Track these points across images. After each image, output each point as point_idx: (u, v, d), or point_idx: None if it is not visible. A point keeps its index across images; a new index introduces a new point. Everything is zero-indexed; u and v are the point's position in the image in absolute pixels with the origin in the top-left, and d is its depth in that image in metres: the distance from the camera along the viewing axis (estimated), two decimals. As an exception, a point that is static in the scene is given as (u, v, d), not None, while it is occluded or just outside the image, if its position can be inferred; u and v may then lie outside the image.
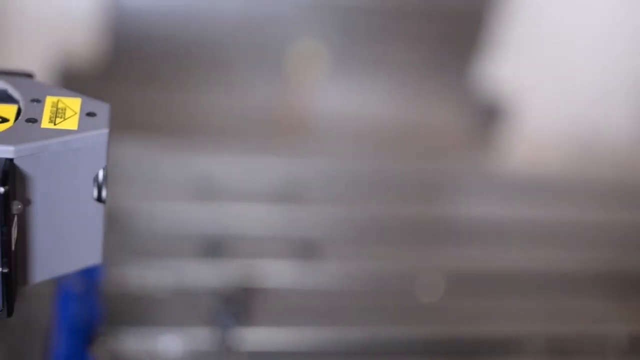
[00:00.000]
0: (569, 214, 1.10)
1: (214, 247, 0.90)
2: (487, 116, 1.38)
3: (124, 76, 1.29)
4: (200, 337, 0.78)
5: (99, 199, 0.46)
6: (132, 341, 0.76)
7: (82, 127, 0.44)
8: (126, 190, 0.94)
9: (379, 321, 0.87)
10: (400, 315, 0.89)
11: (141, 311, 0.79)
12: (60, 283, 0.70)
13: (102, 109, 0.47)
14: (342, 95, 1.38)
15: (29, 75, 0.49)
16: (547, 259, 1.00)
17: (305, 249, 0.93)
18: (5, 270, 0.42)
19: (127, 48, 1.35)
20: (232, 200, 0.99)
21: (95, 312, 0.74)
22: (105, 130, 0.45)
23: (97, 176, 0.46)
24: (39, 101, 0.46)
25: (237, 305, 0.81)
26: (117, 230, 0.87)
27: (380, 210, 1.05)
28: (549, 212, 1.09)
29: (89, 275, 0.73)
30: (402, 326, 0.87)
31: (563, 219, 1.08)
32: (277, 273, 0.90)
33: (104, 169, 0.46)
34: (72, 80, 1.20)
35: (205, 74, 1.34)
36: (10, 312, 0.44)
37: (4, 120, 0.45)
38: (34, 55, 1.35)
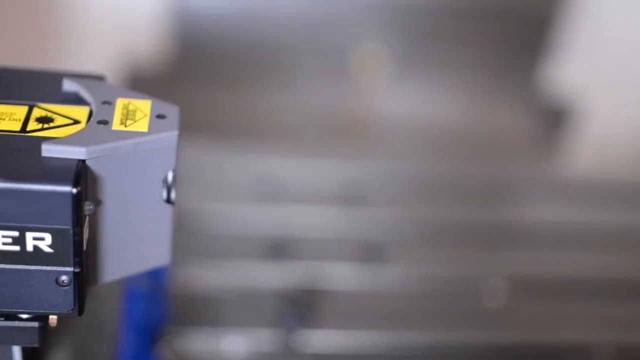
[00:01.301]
0: (635, 219, 1.08)
1: (278, 249, 0.90)
2: (553, 119, 1.37)
3: (189, 78, 1.30)
4: (264, 338, 0.79)
5: (168, 200, 0.47)
6: (196, 341, 0.76)
7: (152, 129, 0.45)
8: (191, 192, 0.94)
9: (442, 325, 0.86)
10: (464, 319, 0.88)
11: (206, 312, 0.80)
12: (127, 283, 0.71)
13: (172, 111, 0.47)
14: (404, 97, 1.37)
15: (101, 78, 0.50)
16: (613, 264, 0.98)
17: (369, 252, 0.93)
18: (77, 270, 0.42)
19: (192, 50, 1.36)
20: (296, 202, 0.99)
21: (161, 312, 0.74)
22: (175, 132, 0.45)
23: (166, 178, 0.46)
24: (110, 103, 0.47)
25: (301, 307, 0.81)
26: (182, 231, 0.88)
27: (443, 213, 1.04)
28: (615, 216, 1.08)
29: (155, 275, 0.74)
30: (466, 331, 0.87)
31: (630, 224, 1.06)
32: (341, 275, 0.89)
33: (173, 170, 0.46)
34: (137, 82, 1.21)
35: (269, 76, 1.35)
36: (81, 311, 0.45)
37: (76, 122, 0.46)
38: (100, 58, 1.37)
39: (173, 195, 0.47)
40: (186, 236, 0.88)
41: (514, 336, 0.87)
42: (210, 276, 0.84)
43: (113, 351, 0.64)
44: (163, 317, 0.75)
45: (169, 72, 1.31)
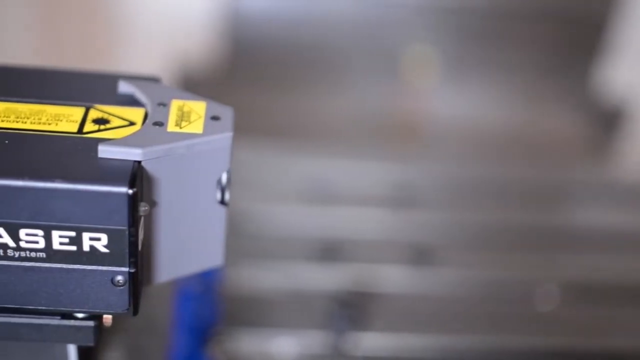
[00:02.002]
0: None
1: (328, 251, 0.90)
2: (606, 121, 1.35)
3: (240, 79, 1.31)
4: (314, 340, 0.79)
5: (222, 201, 0.47)
6: (247, 342, 0.76)
7: (207, 130, 0.45)
8: (242, 193, 0.95)
9: (493, 329, 0.86)
10: (515, 323, 0.87)
11: (256, 313, 0.80)
12: (179, 284, 0.71)
13: (226, 112, 0.47)
14: (455, 99, 1.36)
15: (156, 79, 0.50)
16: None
17: (419, 254, 0.93)
18: (132, 270, 0.43)
19: (243, 52, 1.36)
20: (347, 204, 0.99)
21: (212, 313, 0.75)
22: (230, 134, 0.45)
23: (220, 179, 0.46)
24: (165, 105, 0.47)
25: (351, 309, 0.81)
26: (233, 232, 0.88)
27: (494, 216, 1.03)
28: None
29: (207, 276, 0.74)
30: (517, 335, 0.86)
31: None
32: (391, 278, 0.89)
33: (227, 172, 0.46)
34: (189, 84, 1.22)
35: (320, 78, 1.35)
36: (135, 311, 0.45)
37: (132, 123, 0.46)
38: (152, 60, 1.38)
39: (227, 196, 0.47)
40: (237, 237, 0.89)
41: (567, 341, 0.86)
42: (261, 277, 0.85)
43: (165, 351, 0.65)
44: (214, 317, 0.75)
45: (221, 74, 1.32)
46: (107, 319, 0.48)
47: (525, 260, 0.96)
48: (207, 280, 0.75)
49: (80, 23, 1.39)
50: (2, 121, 0.45)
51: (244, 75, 1.34)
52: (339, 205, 0.99)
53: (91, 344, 0.47)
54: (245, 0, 1.41)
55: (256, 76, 1.34)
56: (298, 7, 1.41)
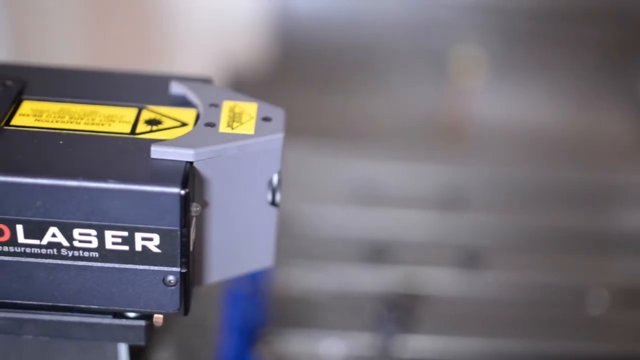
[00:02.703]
0: None
1: (376, 252, 0.90)
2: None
3: (289, 80, 1.31)
4: (362, 342, 0.78)
5: (273, 202, 0.47)
6: (295, 343, 0.76)
7: (258, 131, 0.45)
8: (290, 194, 0.95)
9: (542, 333, 0.85)
10: (564, 328, 0.86)
11: (304, 314, 0.80)
12: (228, 284, 0.71)
13: (278, 113, 0.47)
14: (504, 100, 1.35)
15: (208, 80, 0.51)
16: None
17: (467, 257, 0.92)
18: (184, 271, 0.43)
19: (292, 53, 1.37)
20: (395, 206, 0.99)
21: (260, 314, 0.75)
22: (281, 135, 0.45)
23: (271, 180, 0.46)
24: (216, 106, 0.47)
25: (400, 311, 0.80)
26: (281, 232, 0.88)
27: (543, 219, 1.02)
28: None
29: (256, 277, 0.74)
30: (566, 339, 0.85)
31: None
32: (439, 280, 0.89)
33: (278, 173, 0.46)
34: (239, 84, 1.23)
35: (369, 79, 1.35)
36: (186, 311, 0.45)
37: (184, 124, 0.46)
38: (202, 60, 1.39)
39: (278, 197, 0.47)
40: (286, 238, 0.89)
41: (616, 346, 0.85)
42: (310, 278, 0.85)
43: (214, 351, 0.65)
44: (262, 318, 0.75)
45: (269, 75, 1.32)
46: (158, 318, 0.48)
47: (574, 264, 0.95)
48: (255, 281, 0.76)
49: (130, 24, 1.41)
50: (57, 122, 0.45)
51: (292, 76, 1.34)
52: (387, 207, 0.98)
53: (142, 343, 0.48)
54: (293, 1, 1.41)
55: (304, 77, 1.34)
56: (346, 7, 1.41)
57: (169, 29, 1.44)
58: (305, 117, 1.16)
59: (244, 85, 1.21)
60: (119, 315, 0.46)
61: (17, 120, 0.45)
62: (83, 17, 1.36)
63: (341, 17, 1.42)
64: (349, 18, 1.42)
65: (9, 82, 0.48)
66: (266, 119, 0.46)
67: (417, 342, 0.80)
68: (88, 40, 1.37)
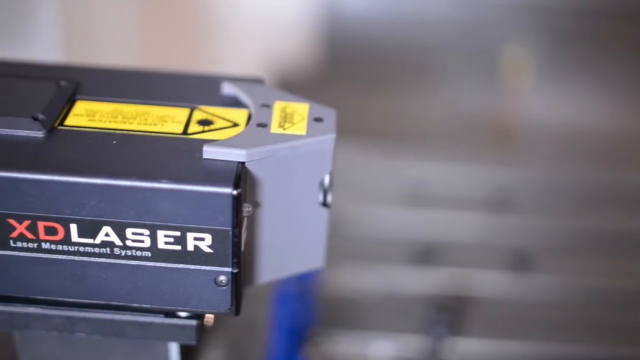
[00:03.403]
0: None
1: (426, 254, 0.90)
2: None
3: (337, 81, 1.31)
4: (411, 344, 0.78)
5: (324, 203, 0.47)
6: (344, 344, 0.76)
7: (310, 132, 0.45)
8: (339, 195, 0.94)
9: (592, 337, 0.84)
10: (615, 332, 0.85)
11: (353, 315, 0.80)
12: (277, 284, 0.71)
13: (329, 114, 0.47)
14: (552, 101, 1.34)
15: (259, 81, 0.51)
16: None
17: (517, 260, 0.91)
18: (235, 271, 0.43)
19: (340, 53, 1.37)
20: (444, 208, 0.98)
21: (309, 314, 0.75)
22: (333, 136, 0.45)
23: (323, 181, 0.46)
24: (268, 106, 0.47)
25: (449, 314, 0.80)
26: (330, 233, 0.88)
27: (592, 221, 1.01)
28: None
29: (305, 278, 0.74)
30: (617, 344, 0.83)
31: None
32: (488, 283, 0.88)
33: (330, 173, 0.46)
34: (286, 84, 1.23)
35: (416, 79, 1.34)
36: (237, 312, 0.45)
37: (235, 124, 0.46)
38: (250, 61, 1.40)
39: (329, 198, 0.47)
40: (334, 239, 0.89)
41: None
42: (359, 279, 0.84)
43: (263, 351, 0.65)
44: (312, 318, 0.75)
45: (317, 75, 1.32)
46: (209, 318, 0.48)
47: (624, 267, 0.94)
48: (304, 281, 0.76)
49: (177, 24, 1.42)
50: (110, 122, 0.46)
51: (339, 77, 1.34)
52: (436, 208, 0.98)
53: (193, 342, 0.48)
54: (341, 1, 1.41)
55: (352, 77, 1.34)
56: (394, 7, 1.41)
57: (217, 29, 1.44)
58: (353, 118, 1.16)
59: (291, 86, 1.21)
60: (171, 314, 0.47)
61: (71, 121, 0.46)
62: (132, 17, 1.37)
63: (389, 17, 1.42)
64: (397, 18, 1.42)
65: (63, 83, 0.49)
66: (318, 120, 0.46)
67: (466, 345, 0.79)
68: (137, 40, 1.39)
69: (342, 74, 1.34)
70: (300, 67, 1.35)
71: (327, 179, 0.46)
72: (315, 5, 1.42)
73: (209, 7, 1.44)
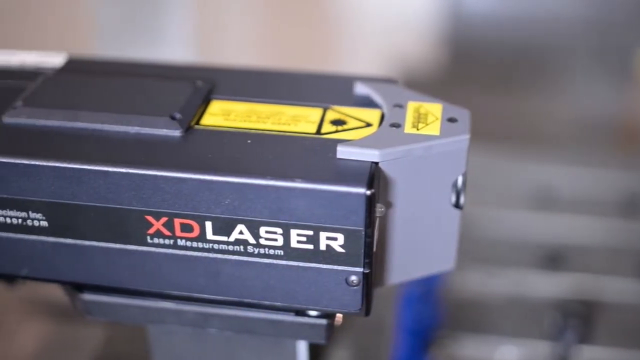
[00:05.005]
0: None
1: (553, 258, 0.88)
2: None
3: (460, 81, 1.30)
4: (538, 350, 0.76)
5: (457, 204, 0.46)
6: (470, 348, 0.75)
7: (443, 132, 0.44)
8: (466, 197, 0.93)
9: None
10: None
11: (479, 318, 0.79)
12: (402, 285, 0.71)
13: (463, 114, 0.47)
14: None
15: (392, 81, 0.51)
16: None
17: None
18: (367, 271, 0.43)
19: (464, 53, 1.35)
20: (573, 211, 0.95)
21: (434, 316, 0.74)
22: (467, 136, 0.45)
23: (456, 182, 0.46)
24: (401, 107, 0.47)
25: (577, 320, 0.78)
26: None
27: None
28: None
29: (430, 279, 0.73)
30: None
31: None
32: (618, 289, 0.85)
33: (463, 174, 0.46)
34: (409, 85, 1.22)
35: (544, 79, 1.32)
36: (367, 312, 0.45)
37: (368, 124, 0.46)
38: (371, 61, 1.40)
39: (462, 199, 0.46)
40: (461, 240, 0.88)
41: None
42: (485, 282, 0.83)
43: (389, 352, 0.65)
44: (436, 320, 0.75)
45: (441, 76, 1.31)
46: (339, 318, 0.48)
47: None
48: (430, 282, 0.75)
49: (300, 25, 1.43)
50: (245, 121, 0.46)
51: (463, 77, 1.32)
52: (565, 212, 0.95)
53: (323, 342, 0.48)
54: (465, 1, 1.40)
55: (476, 78, 1.33)
56: (520, 5, 1.38)
57: (340, 29, 1.45)
58: (478, 120, 1.15)
59: (414, 86, 1.21)
60: (301, 313, 0.47)
61: (206, 120, 0.47)
62: (257, 19, 1.39)
63: (515, 15, 1.40)
64: (523, 16, 1.39)
65: (199, 83, 0.50)
66: (451, 120, 0.46)
67: (594, 353, 0.77)
68: (261, 40, 1.40)
69: (465, 73, 1.33)
70: (423, 67, 1.34)
71: (460, 180, 0.45)
72: (439, 4, 1.41)
73: (333, 7, 1.45)
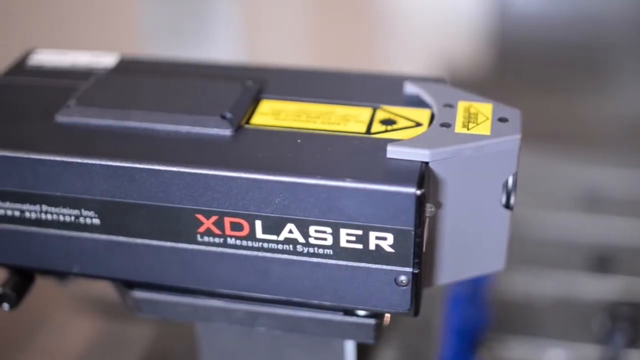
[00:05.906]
0: None
1: (602, 260, 0.86)
2: None
3: (507, 82, 1.29)
4: (586, 353, 0.76)
5: (507, 205, 0.46)
6: (516, 350, 0.75)
7: (494, 132, 0.44)
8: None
9: None
10: None
11: (526, 320, 0.78)
12: (449, 286, 0.71)
13: (514, 114, 0.46)
14: None
15: (442, 81, 0.50)
16: None
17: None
18: (416, 271, 0.43)
19: (510, 53, 1.34)
20: (621, 213, 0.94)
21: (482, 317, 0.74)
22: (518, 136, 0.44)
23: (506, 182, 0.45)
24: (451, 106, 0.47)
25: (627, 323, 0.77)
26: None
27: None
28: None
29: (477, 280, 0.73)
30: None
31: None
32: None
33: (513, 175, 0.45)
34: (456, 86, 1.22)
35: (592, 80, 1.30)
36: (416, 312, 0.45)
37: (418, 124, 0.46)
38: (417, 61, 1.39)
39: (512, 200, 0.46)
40: (509, 241, 0.87)
41: None
42: (533, 284, 0.82)
43: (437, 353, 0.65)
44: (483, 322, 0.74)
45: (488, 76, 1.30)
46: (387, 318, 0.48)
47: None
48: (477, 283, 0.75)
49: (347, 25, 1.43)
50: (294, 121, 0.47)
51: (510, 78, 1.31)
52: (614, 214, 0.94)
53: (371, 341, 0.48)
54: (513, 1, 1.39)
55: (523, 78, 1.32)
56: (567, 5, 1.37)
57: (388, 29, 1.45)
58: (527, 120, 1.14)
59: (462, 86, 1.20)
60: (349, 312, 0.47)
61: (257, 119, 0.47)
62: (305, 19, 1.40)
63: (562, 15, 1.38)
64: (570, 16, 1.38)
65: (248, 83, 0.50)
66: (502, 120, 0.45)
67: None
68: (309, 40, 1.41)
69: (513, 73, 1.32)
70: (470, 67, 1.33)
71: (510, 180, 0.45)
72: (485, 4, 1.40)
73: (379, 8, 1.45)
